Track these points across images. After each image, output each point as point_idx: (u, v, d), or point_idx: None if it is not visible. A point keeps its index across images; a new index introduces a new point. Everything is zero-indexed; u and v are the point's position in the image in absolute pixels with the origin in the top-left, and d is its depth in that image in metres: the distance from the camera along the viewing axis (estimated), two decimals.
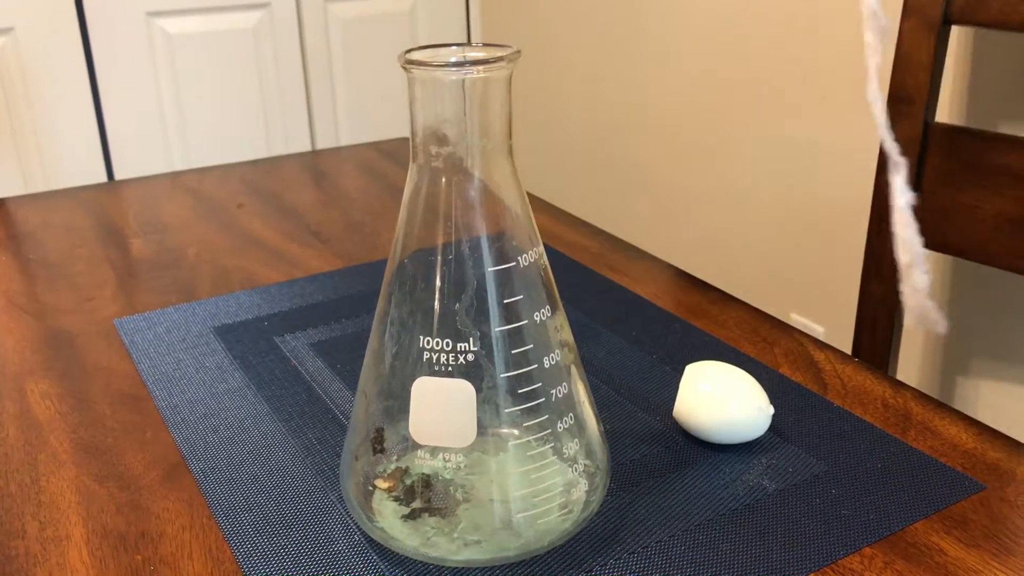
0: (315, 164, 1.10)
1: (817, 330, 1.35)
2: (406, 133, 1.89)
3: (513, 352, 0.42)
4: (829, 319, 1.34)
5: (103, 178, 1.87)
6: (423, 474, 0.44)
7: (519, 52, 0.41)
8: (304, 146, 2.03)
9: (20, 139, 1.78)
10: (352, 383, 0.60)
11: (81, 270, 0.80)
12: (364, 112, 2.08)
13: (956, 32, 1.07)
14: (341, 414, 0.57)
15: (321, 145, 2.05)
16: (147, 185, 1.02)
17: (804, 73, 1.31)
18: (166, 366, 0.63)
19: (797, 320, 1.38)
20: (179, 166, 1.92)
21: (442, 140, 0.41)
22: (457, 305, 0.42)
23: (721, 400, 0.50)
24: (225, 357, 0.64)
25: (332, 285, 0.75)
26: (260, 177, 1.02)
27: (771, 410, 0.51)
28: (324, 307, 0.71)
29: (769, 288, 1.44)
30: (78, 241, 0.86)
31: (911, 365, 1.22)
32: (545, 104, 1.93)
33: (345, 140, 2.07)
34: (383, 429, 0.45)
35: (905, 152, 0.94)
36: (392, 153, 1.08)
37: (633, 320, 0.67)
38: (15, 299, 0.75)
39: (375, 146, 1.11)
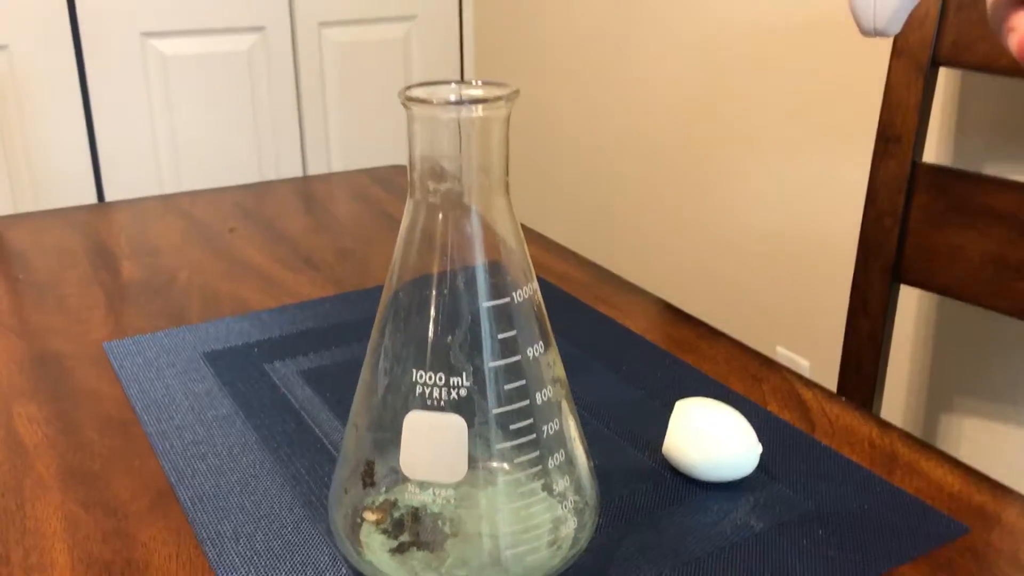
0: (307, 189, 1.11)
1: (802, 364, 1.36)
2: (398, 160, 1.90)
3: (506, 388, 0.42)
4: (814, 353, 1.35)
5: (93, 198, 1.87)
6: (412, 507, 0.44)
7: (517, 91, 0.41)
8: (295, 170, 2.03)
9: (11, 157, 1.77)
10: (341, 412, 0.60)
11: (71, 291, 0.79)
12: (356, 138, 2.08)
13: (944, 74, 1.08)
14: (330, 444, 0.57)
15: (312, 170, 2.06)
16: (139, 207, 1.02)
17: (792, 110, 1.33)
18: (155, 391, 0.63)
19: (782, 354, 1.39)
20: (169, 187, 1.92)
21: (440, 176, 0.42)
22: (451, 339, 0.42)
23: (710, 438, 0.51)
24: (215, 383, 0.64)
25: (323, 312, 0.75)
26: (252, 201, 1.02)
27: (759, 448, 0.51)
28: (314, 334, 0.71)
29: (755, 321, 1.45)
30: (69, 262, 0.86)
31: (896, 401, 1.23)
32: (535, 133, 1.94)
33: (337, 166, 2.08)
34: (374, 462, 0.45)
35: (892, 190, 0.95)
36: (385, 180, 1.09)
37: (623, 354, 0.67)
38: (3, 319, 0.74)
39: (368, 173, 1.11)
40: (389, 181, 1.08)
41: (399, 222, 0.97)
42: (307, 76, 1.99)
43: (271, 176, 2.00)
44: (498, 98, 0.41)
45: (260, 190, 1.08)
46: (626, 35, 1.65)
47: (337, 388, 0.63)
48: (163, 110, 1.89)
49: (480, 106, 0.40)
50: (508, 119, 0.42)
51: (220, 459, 0.55)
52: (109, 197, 1.88)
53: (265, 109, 1.97)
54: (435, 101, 0.40)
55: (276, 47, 1.94)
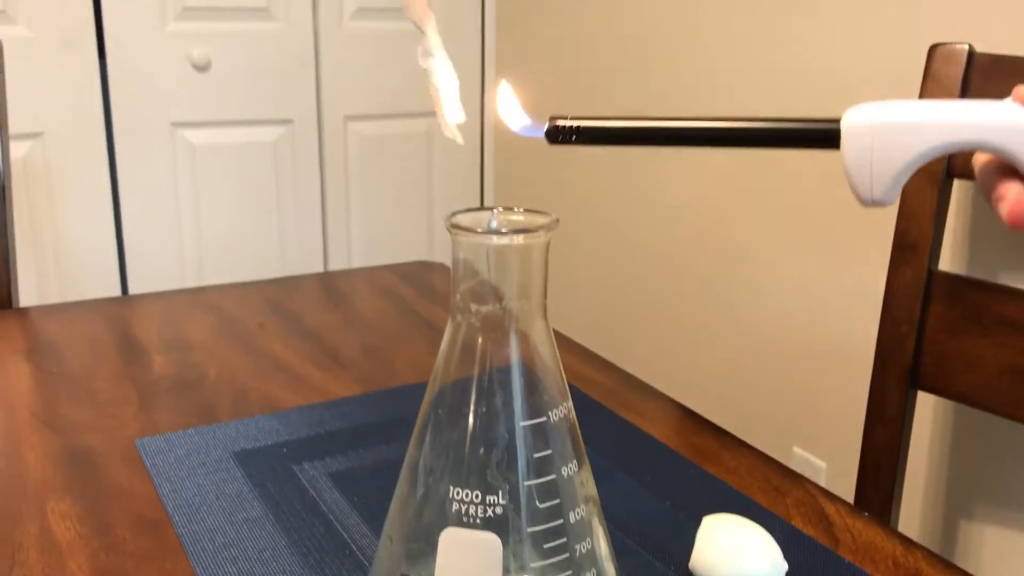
0: (334, 285, 1.13)
1: (819, 466, 1.36)
2: (417, 255, 1.91)
3: (540, 506, 0.43)
4: (831, 454, 1.35)
5: (116, 282, 1.90)
6: None
7: (557, 220, 0.43)
8: (317, 260, 2.07)
9: (39, 242, 1.81)
10: (368, 517, 0.61)
11: (103, 386, 0.81)
12: (377, 231, 2.12)
13: (958, 184, 1.11)
14: (358, 550, 0.58)
15: (333, 260, 2.09)
16: (169, 300, 1.04)
17: (810, 218, 1.35)
18: (186, 491, 0.64)
19: (799, 455, 1.39)
20: (191, 276, 1.95)
21: (482, 299, 0.43)
22: (487, 457, 0.43)
23: (737, 556, 0.51)
24: (244, 484, 0.65)
25: (350, 412, 0.77)
26: (281, 296, 1.04)
27: (785, 566, 0.52)
28: (342, 435, 0.72)
29: (773, 421, 1.45)
30: (101, 355, 0.88)
31: (914, 507, 1.22)
32: (555, 238, 1.97)
33: (356, 257, 2.11)
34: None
35: (909, 298, 0.97)
36: (410, 276, 1.11)
37: (647, 463, 0.68)
38: (37, 413, 0.76)
39: (394, 269, 1.14)
40: (414, 277, 1.11)
41: (424, 319, 0.99)
42: (331, 167, 2.04)
43: (292, 266, 2.03)
44: (539, 227, 0.43)
45: (288, 285, 1.11)
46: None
47: (364, 492, 0.64)
48: (189, 198, 1.93)
49: (522, 235, 0.42)
50: (548, 246, 0.44)
51: (251, 563, 0.56)
52: (132, 283, 1.91)
53: (289, 199, 2.01)
54: (479, 230, 0.42)
55: (302, 139, 2.00)
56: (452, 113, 0.44)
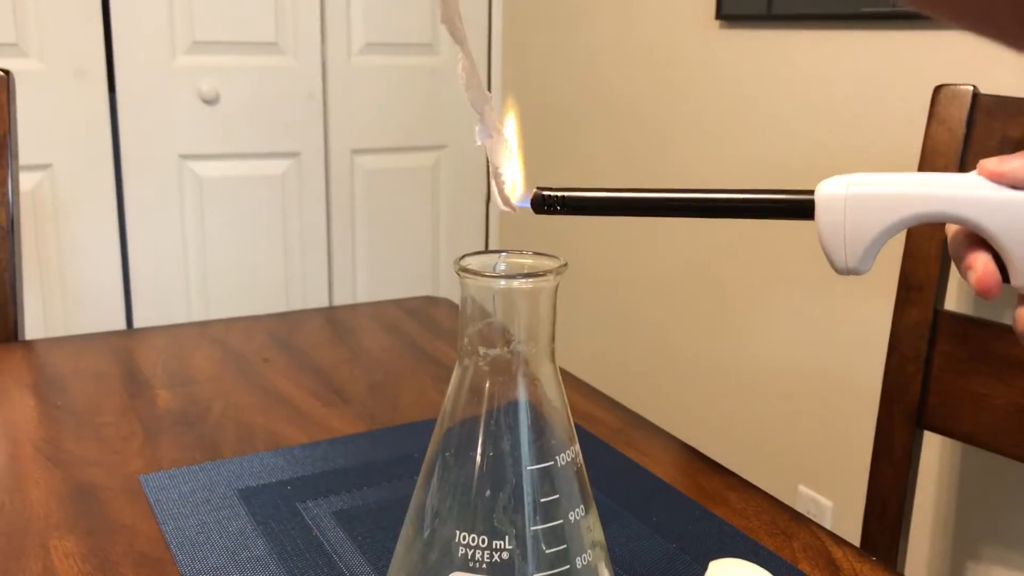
0: (339, 320, 1.13)
1: (825, 504, 1.35)
2: (422, 290, 1.92)
3: (547, 552, 0.43)
4: (837, 493, 1.34)
5: (122, 314, 1.90)
6: None
7: (566, 265, 0.44)
8: (322, 294, 2.07)
9: (46, 273, 1.82)
10: (373, 557, 0.61)
11: (108, 420, 0.81)
12: (381, 264, 2.12)
13: None
14: None
15: (338, 294, 2.09)
16: (174, 334, 1.04)
17: (816, 255, 1.35)
18: (190, 528, 0.64)
19: (805, 493, 1.38)
20: (197, 307, 1.95)
21: (489, 343, 0.43)
22: (494, 501, 0.43)
23: None
24: (248, 522, 0.65)
25: (354, 450, 0.76)
26: (286, 331, 1.04)
27: None
28: (346, 473, 0.72)
29: (778, 459, 1.44)
30: (106, 389, 0.87)
31: (921, 547, 1.21)
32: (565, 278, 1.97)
33: (361, 290, 2.11)
34: None
35: (915, 337, 0.96)
36: (415, 312, 1.11)
37: (653, 504, 0.68)
38: (41, 448, 0.76)
39: (399, 304, 1.14)
40: (420, 312, 1.11)
41: (430, 355, 0.99)
42: (338, 201, 2.05)
43: (297, 299, 2.03)
44: (548, 271, 0.43)
45: (293, 319, 1.11)
46: (652, 174, 1.70)
47: (369, 531, 0.64)
48: (196, 230, 1.94)
49: (530, 280, 0.42)
50: (556, 289, 0.44)
51: None
52: (138, 315, 1.91)
53: (295, 232, 2.02)
54: (487, 273, 0.43)
55: (309, 172, 2.01)
56: (509, 190, 0.45)
